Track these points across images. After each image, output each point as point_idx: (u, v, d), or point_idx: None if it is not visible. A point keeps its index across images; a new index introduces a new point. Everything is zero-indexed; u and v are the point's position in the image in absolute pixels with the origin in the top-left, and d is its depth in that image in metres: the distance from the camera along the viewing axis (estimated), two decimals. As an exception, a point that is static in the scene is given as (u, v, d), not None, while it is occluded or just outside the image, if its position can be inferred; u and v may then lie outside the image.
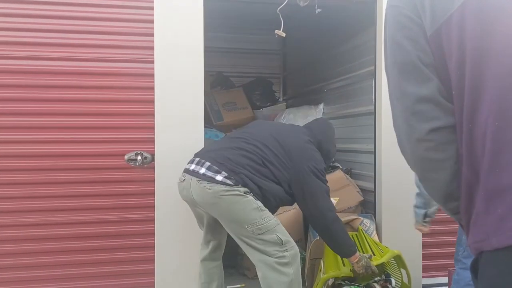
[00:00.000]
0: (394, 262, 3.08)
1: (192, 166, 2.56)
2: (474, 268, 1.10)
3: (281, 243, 2.43)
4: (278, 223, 2.49)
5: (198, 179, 2.46)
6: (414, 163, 1.20)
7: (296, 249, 2.50)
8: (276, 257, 2.42)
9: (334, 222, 2.61)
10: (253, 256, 2.49)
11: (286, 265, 2.43)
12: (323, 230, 2.67)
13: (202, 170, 2.48)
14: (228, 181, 2.41)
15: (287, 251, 2.44)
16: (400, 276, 3.10)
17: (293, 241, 2.51)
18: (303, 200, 2.60)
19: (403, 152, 1.23)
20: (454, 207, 1.21)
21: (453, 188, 1.17)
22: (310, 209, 2.61)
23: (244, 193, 2.42)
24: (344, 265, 2.87)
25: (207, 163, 2.49)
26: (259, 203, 2.44)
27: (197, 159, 2.59)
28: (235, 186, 2.41)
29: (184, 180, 2.57)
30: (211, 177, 2.43)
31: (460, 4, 1.06)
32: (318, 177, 2.60)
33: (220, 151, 2.59)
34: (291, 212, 3.58)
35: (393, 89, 1.20)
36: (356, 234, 3.18)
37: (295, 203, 2.75)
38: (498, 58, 1.02)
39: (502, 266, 1.00)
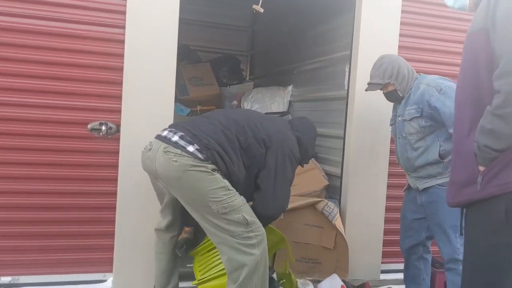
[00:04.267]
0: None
1: (165, 133, 2.46)
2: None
3: (246, 223, 2.36)
4: (244, 203, 2.42)
5: (166, 146, 2.36)
6: None
7: (262, 230, 2.45)
8: (241, 238, 2.36)
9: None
10: (215, 238, 2.42)
11: (251, 246, 2.37)
12: (265, 214, 2.56)
13: (175, 138, 2.38)
14: (199, 155, 2.31)
15: (252, 232, 2.39)
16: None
17: (259, 222, 2.45)
18: (264, 177, 2.50)
19: None
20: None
21: None
22: (267, 190, 2.51)
23: (212, 170, 2.33)
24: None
25: (180, 133, 2.40)
26: (226, 182, 2.37)
27: (171, 128, 2.49)
28: (204, 162, 2.32)
29: (150, 149, 2.45)
30: (182, 146, 2.33)
31: None
32: (291, 162, 2.56)
33: (195, 123, 2.50)
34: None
35: None
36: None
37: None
38: None
39: None
